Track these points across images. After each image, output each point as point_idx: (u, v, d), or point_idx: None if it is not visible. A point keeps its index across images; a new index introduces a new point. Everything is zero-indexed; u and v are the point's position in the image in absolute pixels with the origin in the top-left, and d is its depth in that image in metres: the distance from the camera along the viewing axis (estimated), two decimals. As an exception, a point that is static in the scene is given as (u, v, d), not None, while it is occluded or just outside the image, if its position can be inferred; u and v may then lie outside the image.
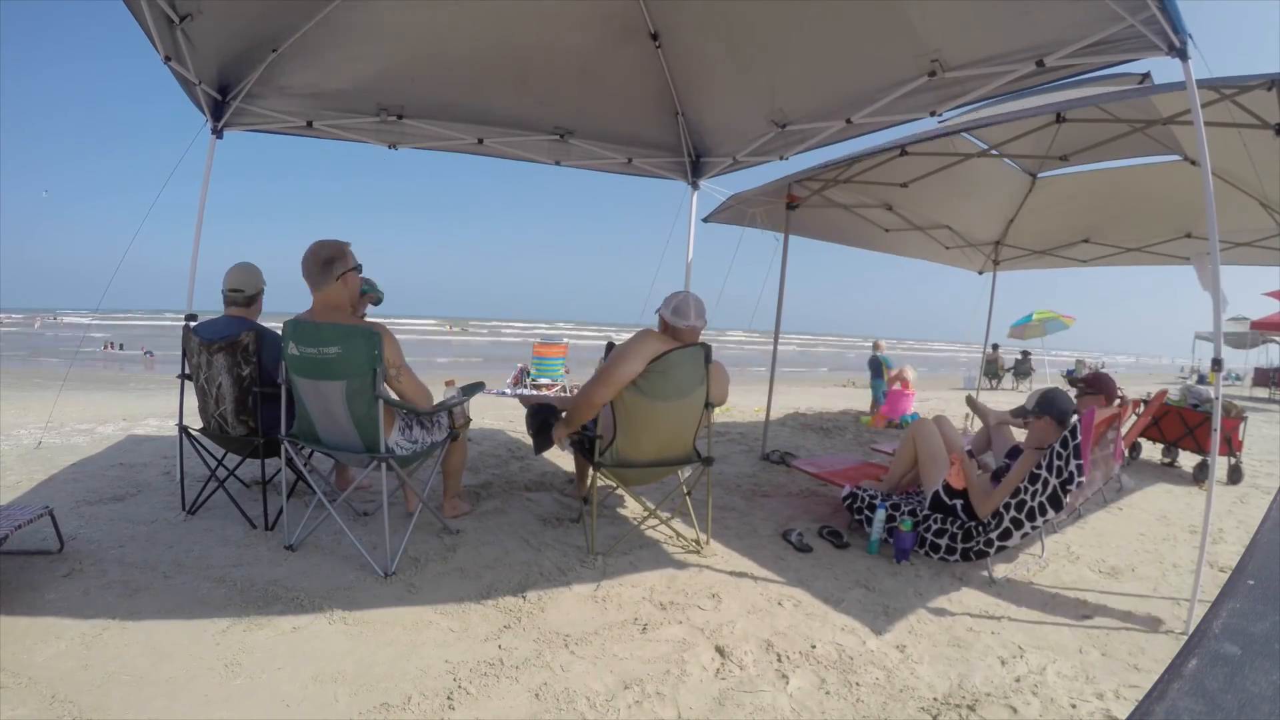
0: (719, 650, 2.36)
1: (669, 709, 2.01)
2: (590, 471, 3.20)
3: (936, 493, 3.42)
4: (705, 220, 6.07)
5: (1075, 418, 2.99)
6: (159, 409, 6.95)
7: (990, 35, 3.33)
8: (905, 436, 3.87)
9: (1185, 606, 2.84)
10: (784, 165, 5.21)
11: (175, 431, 3.63)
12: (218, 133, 4.26)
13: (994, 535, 3.14)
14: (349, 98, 4.62)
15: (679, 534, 3.47)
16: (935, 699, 2.12)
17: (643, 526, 3.55)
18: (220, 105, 4.21)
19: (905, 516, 3.35)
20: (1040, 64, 3.20)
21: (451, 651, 2.27)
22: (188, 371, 3.45)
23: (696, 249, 5.90)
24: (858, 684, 2.18)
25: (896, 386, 8.40)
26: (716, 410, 3.37)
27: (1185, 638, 2.25)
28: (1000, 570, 3.24)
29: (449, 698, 2.01)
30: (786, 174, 5.17)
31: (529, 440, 3.83)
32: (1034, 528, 3.09)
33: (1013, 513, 3.09)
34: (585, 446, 3.33)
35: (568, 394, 5.75)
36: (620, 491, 3.93)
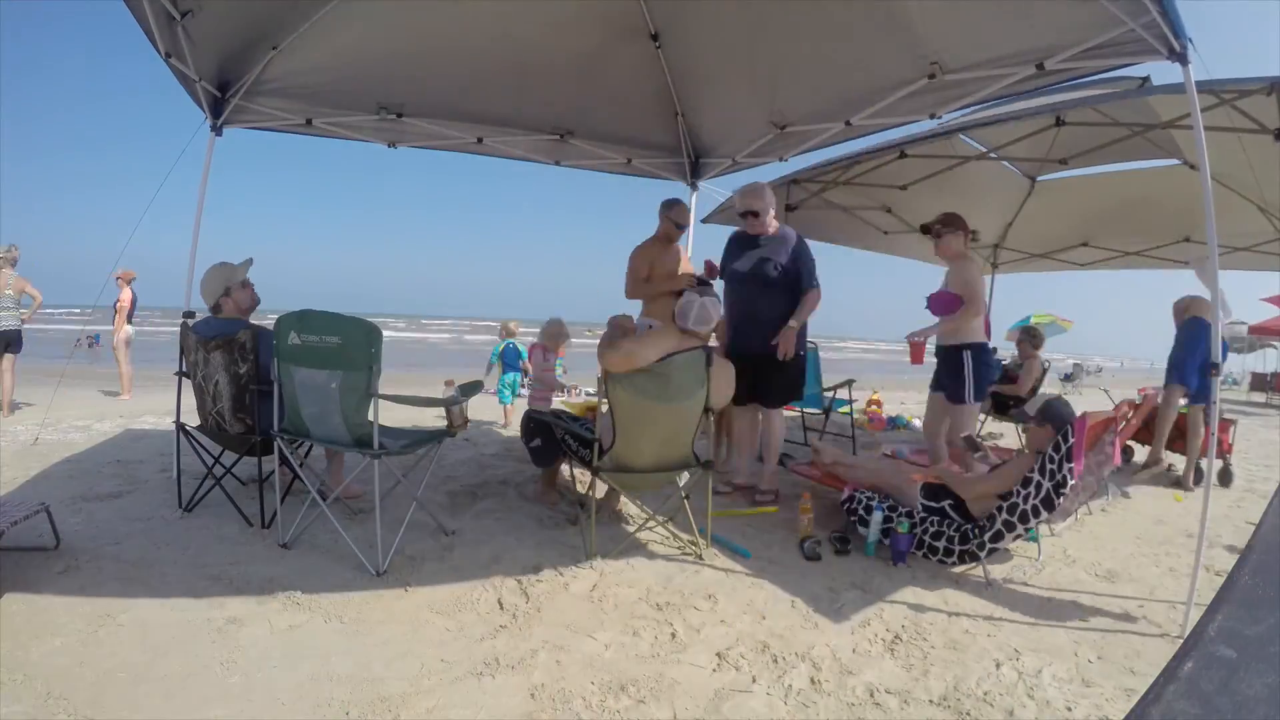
0: (715, 651, 2.36)
1: (664, 710, 2.01)
2: (588, 476, 3.21)
3: (923, 504, 3.45)
4: (704, 221, 6.07)
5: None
6: (156, 406, 6.93)
7: (990, 38, 3.34)
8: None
9: (1181, 610, 2.84)
10: (783, 167, 5.23)
11: (172, 428, 3.63)
12: (217, 130, 4.25)
13: (987, 538, 3.15)
14: (349, 96, 4.62)
15: (676, 536, 3.46)
16: (931, 701, 2.12)
17: (641, 530, 3.54)
18: (220, 102, 4.21)
19: (903, 519, 3.36)
20: (1040, 67, 3.21)
21: (448, 651, 2.27)
22: (185, 369, 3.45)
23: (695, 250, 5.89)
24: (853, 686, 2.18)
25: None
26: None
27: (1181, 641, 2.25)
28: (997, 573, 3.24)
29: (445, 697, 2.01)
30: (785, 174, 5.19)
31: (525, 444, 3.82)
32: (1026, 529, 3.10)
33: (1005, 515, 3.11)
34: (579, 451, 3.33)
35: (566, 395, 5.74)
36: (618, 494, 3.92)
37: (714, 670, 2.24)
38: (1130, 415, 5.58)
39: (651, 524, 3.48)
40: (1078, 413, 3.20)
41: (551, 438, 3.52)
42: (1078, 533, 3.98)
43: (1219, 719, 0.56)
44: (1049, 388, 7.16)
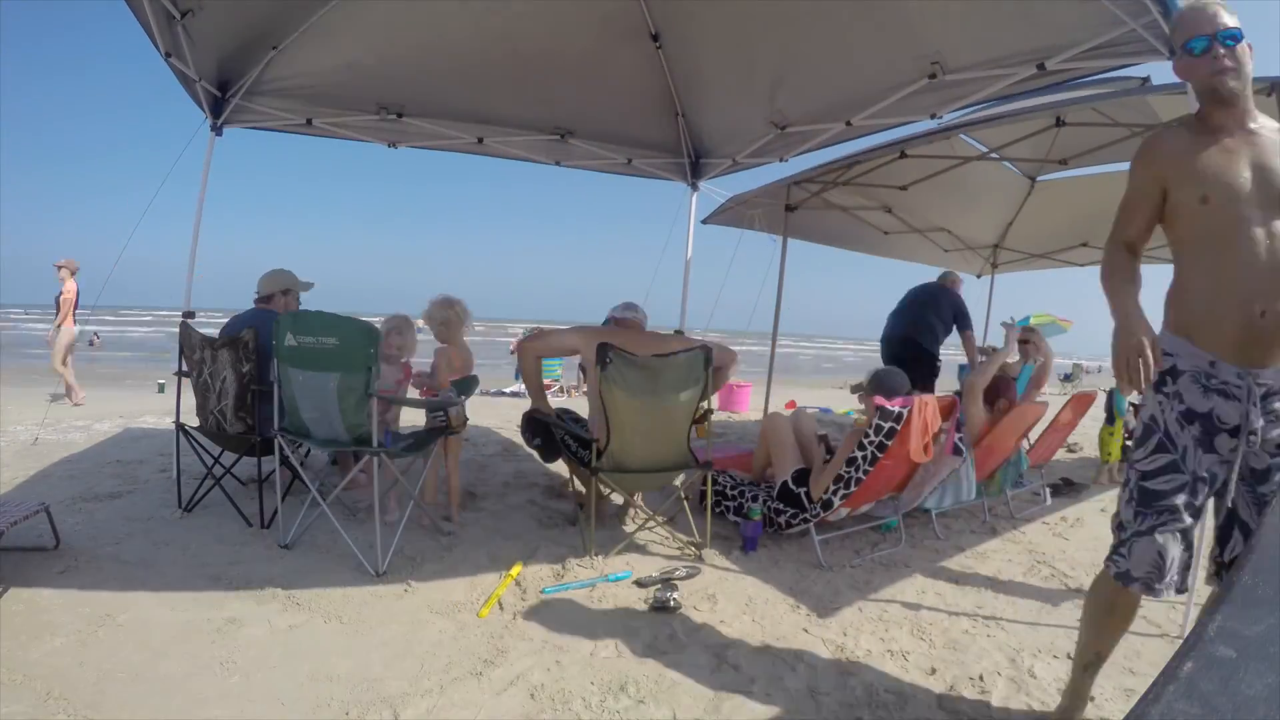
0: (715, 652, 2.36)
1: (664, 710, 2.01)
2: (588, 476, 3.21)
3: (785, 483, 3.47)
4: (704, 222, 6.07)
5: (898, 407, 3.08)
6: (156, 406, 6.94)
7: (991, 38, 3.34)
8: (761, 430, 3.96)
9: (1180, 610, 2.84)
10: (783, 167, 5.23)
11: (172, 428, 3.63)
12: (217, 130, 4.26)
13: (819, 509, 3.27)
14: (349, 95, 4.62)
15: (675, 536, 3.46)
16: (931, 701, 2.12)
17: (640, 530, 3.54)
18: (220, 102, 4.21)
19: (753, 505, 3.44)
20: (1041, 67, 3.21)
21: (447, 650, 2.27)
22: (185, 369, 3.45)
23: (695, 251, 5.90)
24: (853, 686, 2.18)
25: None
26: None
27: (1180, 641, 2.25)
28: (996, 573, 3.24)
29: (445, 697, 2.01)
30: (786, 175, 5.19)
31: (526, 442, 3.81)
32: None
33: (836, 487, 3.21)
34: (578, 452, 3.33)
35: (565, 394, 5.75)
36: (616, 496, 3.92)
37: (714, 670, 2.24)
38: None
39: (651, 524, 3.48)
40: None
41: (551, 436, 3.53)
42: (1077, 532, 3.99)
43: (1219, 719, 0.56)
44: (1050, 388, 7.15)
